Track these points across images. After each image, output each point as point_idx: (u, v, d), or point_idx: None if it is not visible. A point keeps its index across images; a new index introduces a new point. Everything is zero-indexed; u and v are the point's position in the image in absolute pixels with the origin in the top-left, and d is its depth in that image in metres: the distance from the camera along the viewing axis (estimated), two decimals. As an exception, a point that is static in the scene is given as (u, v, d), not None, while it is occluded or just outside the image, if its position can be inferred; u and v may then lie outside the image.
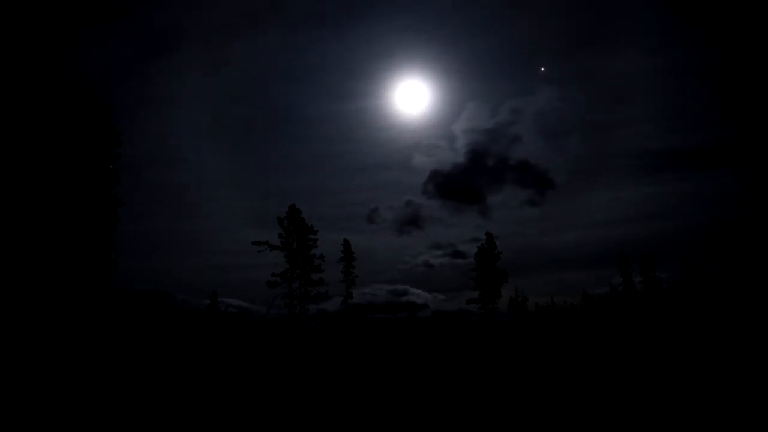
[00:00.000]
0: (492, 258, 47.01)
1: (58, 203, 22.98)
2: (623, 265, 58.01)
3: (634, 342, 28.56)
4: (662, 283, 57.29)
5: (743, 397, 12.14)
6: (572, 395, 13.46)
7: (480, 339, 38.47)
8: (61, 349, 18.95)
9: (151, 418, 11.19)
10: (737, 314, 35.38)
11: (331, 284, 37.86)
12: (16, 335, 18.60)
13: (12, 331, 18.72)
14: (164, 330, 34.87)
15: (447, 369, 20.74)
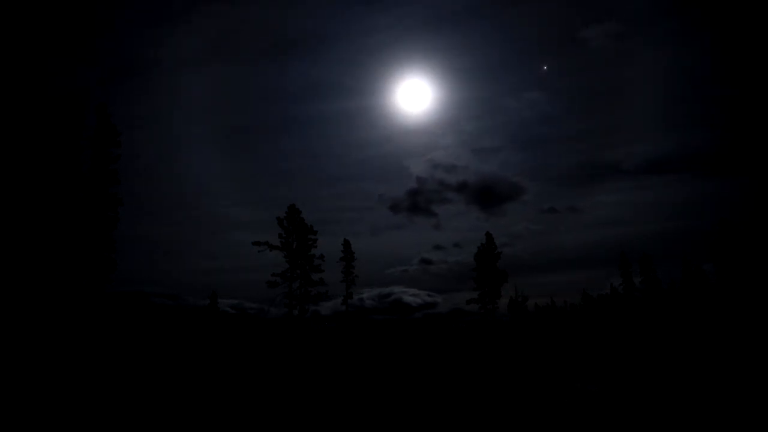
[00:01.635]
0: (492, 258, 46.96)
1: (58, 203, 22.96)
2: (623, 266, 57.98)
3: (634, 342, 28.55)
4: (662, 283, 57.30)
5: (743, 396, 12.14)
6: (572, 395, 13.46)
7: (480, 339, 38.45)
8: (63, 348, 18.94)
9: (156, 416, 11.19)
10: (737, 314, 35.37)
11: (331, 284, 37.70)
12: (17, 335, 18.59)
13: (13, 330, 18.71)
14: (173, 330, 34.90)
15: (447, 369, 20.73)
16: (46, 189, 22.75)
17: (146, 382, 15.81)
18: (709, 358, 19.84)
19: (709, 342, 24.91)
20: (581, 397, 13.21)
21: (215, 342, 31.08)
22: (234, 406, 12.69)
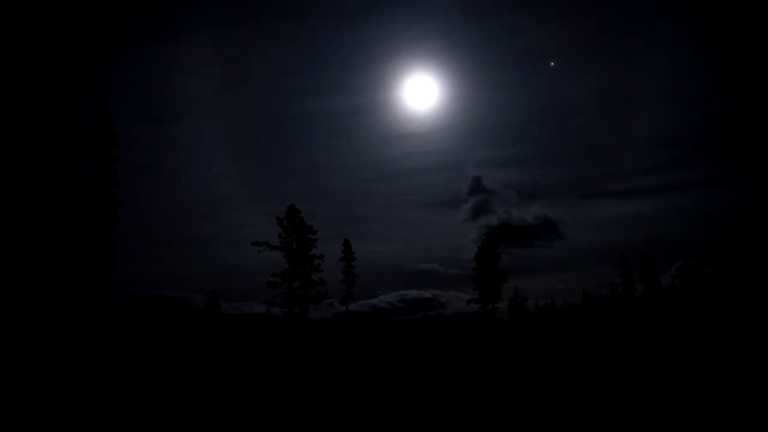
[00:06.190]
0: (492, 258, 46.97)
1: (58, 203, 22.91)
2: (623, 266, 58.03)
3: (635, 342, 28.51)
4: (666, 282, 57.44)
5: (744, 397, 12.11)
6: (574, 396, 13.42)
7: (480, 339, 38.42)
8: (64, 349, 18.89)
9: (155, 416, 11.15)
10: (737, 313, 35.35)
11: (330, 284, 37.64)
12: (18, 336, 18.54)
13: (14, 331, 18.66)
14: (176, 331, 34.91)
15: (446, 370, 20.68)
16: (46, 189, 22.70)
17: (145, 382, 15.77)
18: (709, 358, 19.81)
19: (709, 342, 24.88)
20: (582, 398, 13.16)
21: (215, 342, 31.04)
22: (233, 405, 12.65)
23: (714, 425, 10.04)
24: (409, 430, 10.48)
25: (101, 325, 23.40)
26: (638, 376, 16.88)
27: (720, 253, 50.02)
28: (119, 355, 20.74)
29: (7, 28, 24.75)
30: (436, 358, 25.67)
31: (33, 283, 21.11)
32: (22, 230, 21.50)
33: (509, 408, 12.25)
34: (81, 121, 24.32)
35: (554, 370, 19.48)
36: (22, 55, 24.49)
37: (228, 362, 21.92)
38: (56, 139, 23.37)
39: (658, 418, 10.61)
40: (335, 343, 34.48)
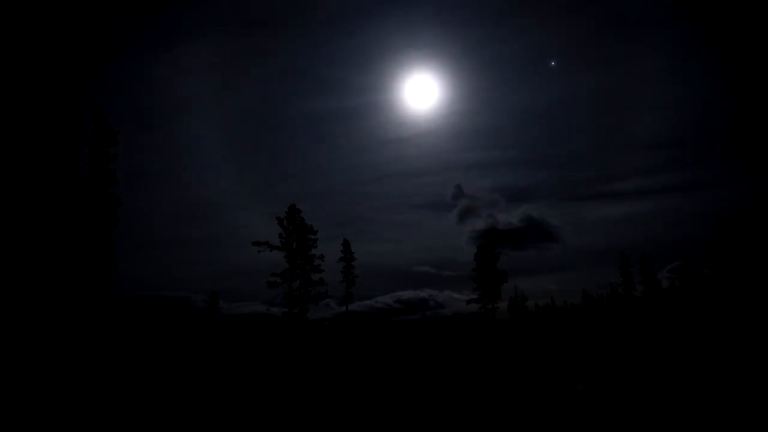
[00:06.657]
0: (492, 258, 46.97)
1: (58, 203, 22.90)
2: (623, 266, 58.03)
3: (635, 342, 28.52)
4: (661, 283, 57.48)
5: (744, 396, 12.11)
6: (574, 396, 13.42)
7: (480, 339, 38.42)
8: (64, 348, 18.88)
9: (157, 415, 11.15)
10: (736, 312, 35.36)
11: (330, 284, 37.58)
12: (19, 336, 18.54)
13: (14, 331, 18.65)
14: (183, 332, 34.96)
15: (447, 370, 20.68)
16: (46, 189, 22.69)
17: (145, 382, 15.76)
18: (709, 357, 19.81)
19: (709, 342, 24.89)
20: (582, 398, 13.16)
21: (215, 342, 31.03)
22: (233, 404, 12.65)
23: (714, 425, 10.04)
24: (410, 429, 10.48)
25: (101, 325, 23.38)
26: (638, 376, 16.88)
27: (719, 253, 50.05)
28: (119, 355, 20.75)
29: (8, 29, 24.73)
30: (436, 358, 25.67)
31: (33, 283, 21.10)
32: (22, 230, 21.49)
33: (509, 408, 12.25)
34: (81, 122, 24.31)
35: (554, 370, 19.47)
36: (22, 55, 24.48)
37: (228, 362, 21.92)
38: (56, 139, 23.35)
39: (657, 418, 10.62)
40: (336, 343, 34.46)
